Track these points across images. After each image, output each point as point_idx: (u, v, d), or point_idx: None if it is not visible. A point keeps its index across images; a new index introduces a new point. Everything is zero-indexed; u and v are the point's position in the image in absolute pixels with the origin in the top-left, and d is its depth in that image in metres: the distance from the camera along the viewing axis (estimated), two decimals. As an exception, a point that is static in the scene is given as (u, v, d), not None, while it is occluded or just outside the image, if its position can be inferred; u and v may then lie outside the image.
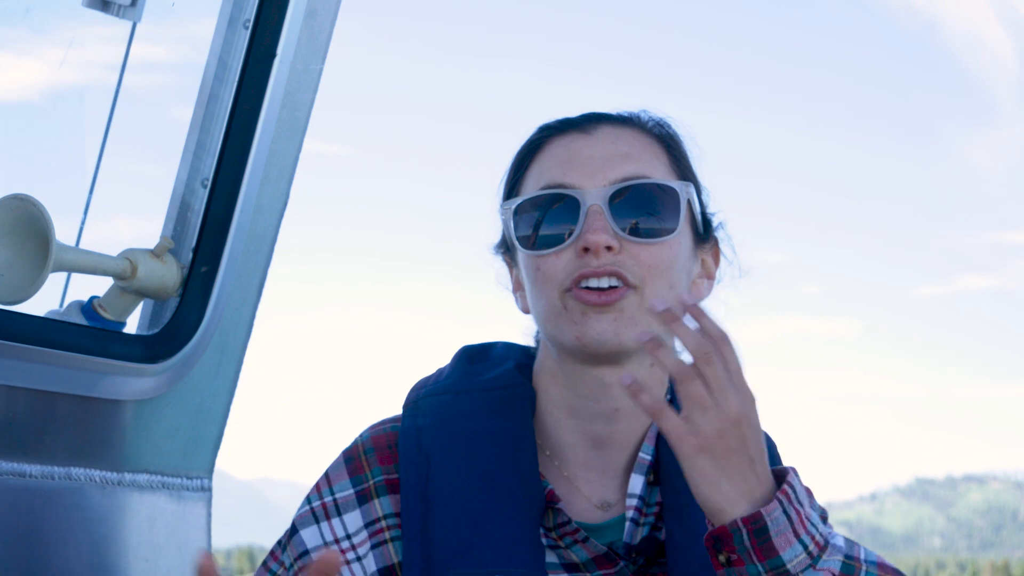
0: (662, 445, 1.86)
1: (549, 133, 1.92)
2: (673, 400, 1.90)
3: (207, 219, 2.48)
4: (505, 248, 1.97)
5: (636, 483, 1.84)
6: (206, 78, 2.52)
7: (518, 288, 1.95)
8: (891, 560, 1.77)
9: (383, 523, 1.86)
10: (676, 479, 1.80)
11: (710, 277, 1.95)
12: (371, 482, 1.88)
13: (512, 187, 1.93)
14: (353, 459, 1.91)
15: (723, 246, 1.97)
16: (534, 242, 1.84)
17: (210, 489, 2.58)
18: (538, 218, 1.84)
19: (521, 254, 1.87)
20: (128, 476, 2.40)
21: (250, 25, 2.49)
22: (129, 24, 2.53)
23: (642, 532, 1.84)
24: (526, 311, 1.93)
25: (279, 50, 2.50)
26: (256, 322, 2.60)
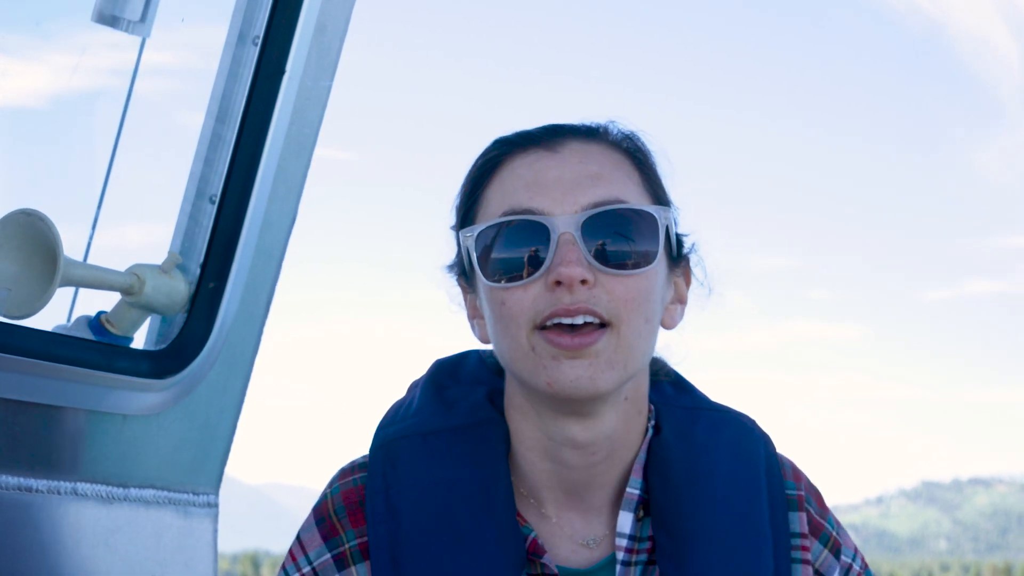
0: (651, 476, 1.75)
1: (508, 149, 1.73)
2: (658, 430, 1.79)
3: (215, 235, 2.48)
4: (461, 270, 1.79)
5: (625, 522, 1.72)
6: (215, 94, 2.52)
7: (475, 315, 1.78)
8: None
9: None
10: (668, 514, 1.73)
11: (682, 301, 1.80)
12: (346, 546, 1.74)
13: (469, 208, 1.75)
14: (324, 520, 1.77)
15: (695, 267, 1.81)
16: (498, 273, 1.66)
17: (216, 505, 2.58)
18: (502, 246, 1.66)
19: (482, 284, 1.69)
20: (134, 491, 2.40)
21: (259, 41, 2.49)
22: (139, 40, 2.54)
23: (634, 573, 1.73)
24: (485, 341, 1.77)
25: (288, 66, 2.50)
26: (263, 338, 2.60)
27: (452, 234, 1.79)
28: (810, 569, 1.80)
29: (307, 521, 1.80)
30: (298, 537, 1.80)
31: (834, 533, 1.87)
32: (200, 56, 2.62)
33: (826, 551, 1.85)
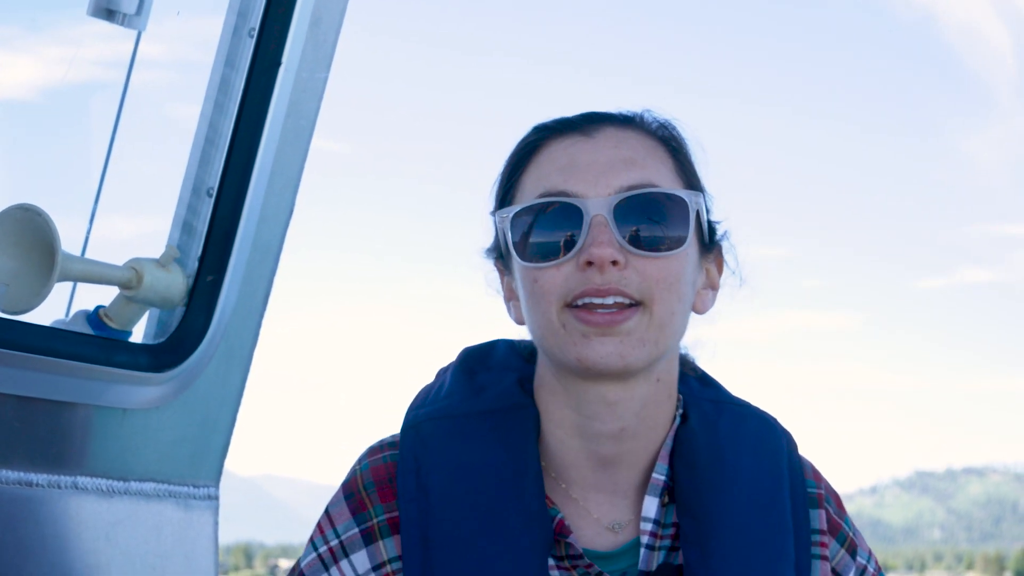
0: (677, 463, 1.78)
1: (546, 135, 1.78)
2: (685, 419, 1.82)
3: (212, 228, 2.48)
4: (498, 254, 1.84)
5: (650, 506, 1.75)
6: (211, 86, 2.52)
7: (511, 297, 1.83)
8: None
9: (389, 567, 1.76)
10: (693, 501, 1.75)
11: (714, 287, 1.83)
12: (375, 520, 1.78)
13: (507, 192, 1.80)
14: (354, 494, 1.80)
15: (726, 255, 1.85)
16: (532, 253, 1.71)
17: (217, 497, 2.58)
18: (537, 228, 1.70)
19: (517, 264, 1.74)
20: (135, 485, 2.40)
21: (255, 34, 2.49)
22: (134, 32, 2.53)
23: (658, 557, 1.76)
24: (520, 322, 1.81)
25: (284, 59, 2.50)
26: (262, 330, 2.60)
27: (490, 219, 1.83)
28: (828, 566, 1.83)
29: (336, 496, 1.83)
30: (327, 511, 1.83)
31: (851, 534, 1.90)
32: (196, 49, 2.62)
33: (843, 550, 1.88)
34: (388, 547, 1.77)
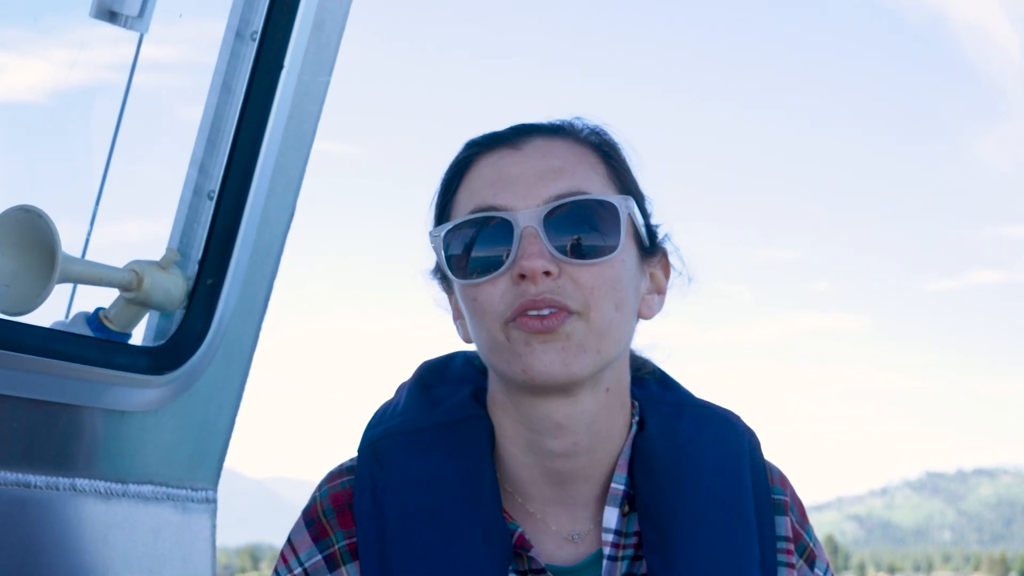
0: (636, 471, 1.76)
1: (477, 151, 1.78)
2: (642, 425, 1.81)
3: (213, 231, 2.48)
4: (442, 274, 1.83)
5: (611, 517, 1.74)
6: (213, 89, 2.52)
7: (458, 316, 1.82)
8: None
9: None
10: (653, 509, 1.74)
11: (660, 291, 1.82)
12: (336, 547, 1.77)
13: (442, 210, 1.79)
14: (314, 521, 1.79)
15: (671, 257, 1.84)
16: (468, 270, 1.70)
17: (215, 500, 2.58)
18: (470, 244, 1.70)
19: (456, 283, 1.74)
20: (133, 487, 2.40)
21: (257, 37, 2.49)
22: (137, 35, 2.53)
23: (621, 567, 1.75)
24: (468, 340, 1.80)
25: (286, 62, 2.50)
26: (261, 334, 2.60)
27: (429, 240, 1.81)
28: (795, 573, 1.82)
29: (297, 524, 1.82)
30: (289, 540, 1.82)
31: (811, 544, 1.89)
32: (198, 51, 2.62)
33: (801, 561, 1.87)
34: (350, 572, 1.76)
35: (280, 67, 2.49)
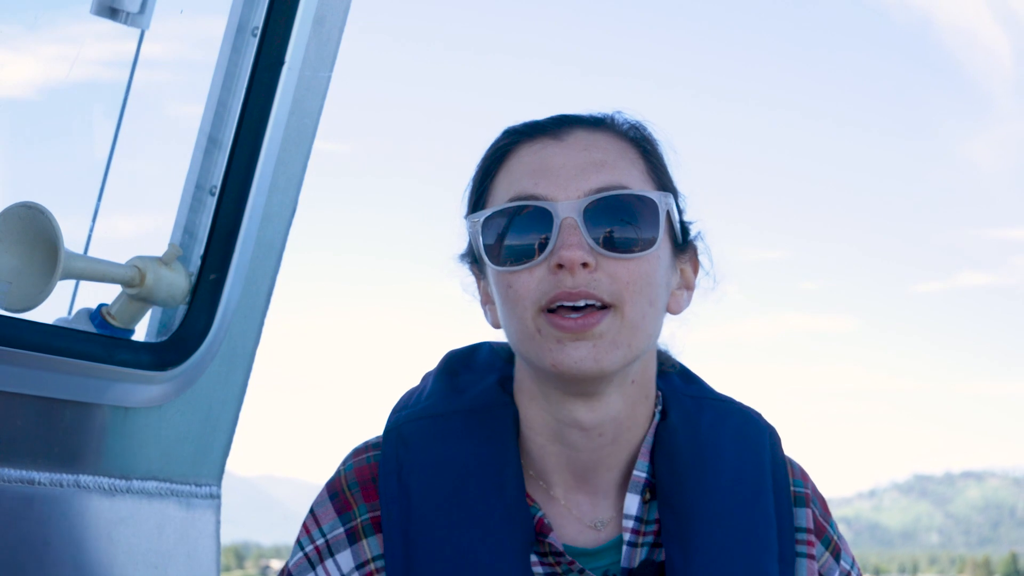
0: (657, 460, 1.78)
1: (517, 139, 1.79)
2: (665, 415, 1.83)
3: (215, 227, 2.48)
4: (473, 259, 1.84)
5: (632, 503, 1.76)
6: (214, 85, 2.52)
7: (487, 301, 1.83)
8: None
9: (372, 565, 1.77)
10: (674, 497, 1.76)
11: (689, 288, 1.84)
12: (359, 520, 1.79)
13: (479, 196, 1.80)
14: (338, 494, 1.81)
15: (701, 256, 1.86)
16: (504, 257, 1.71)
17: (219, 496, 2.59)
18: (508, 232, 1.71)
19: (490, 269, 1.75)
20: (137, 483, 2.40)
21: (258, 32, 2.49)
22: (138, 31, 2.53)
23: (640, 554, 1.76)
24: (496, 326, 1.82)
25: (287, 57, 2.50)
26: (264, 329, 2.60)
27: (464, 223, 1.83)
28: (815, 565, 1.84)
29: (320, 496, 1.84)
30: (312, 511, 1.84)
31: (835, 538, 1.91)
32: (199, 48, 2.62)
33: (827, 553, 1.89)
34: (371, 545, 1.78)
35: (281, 63, 2.50)
